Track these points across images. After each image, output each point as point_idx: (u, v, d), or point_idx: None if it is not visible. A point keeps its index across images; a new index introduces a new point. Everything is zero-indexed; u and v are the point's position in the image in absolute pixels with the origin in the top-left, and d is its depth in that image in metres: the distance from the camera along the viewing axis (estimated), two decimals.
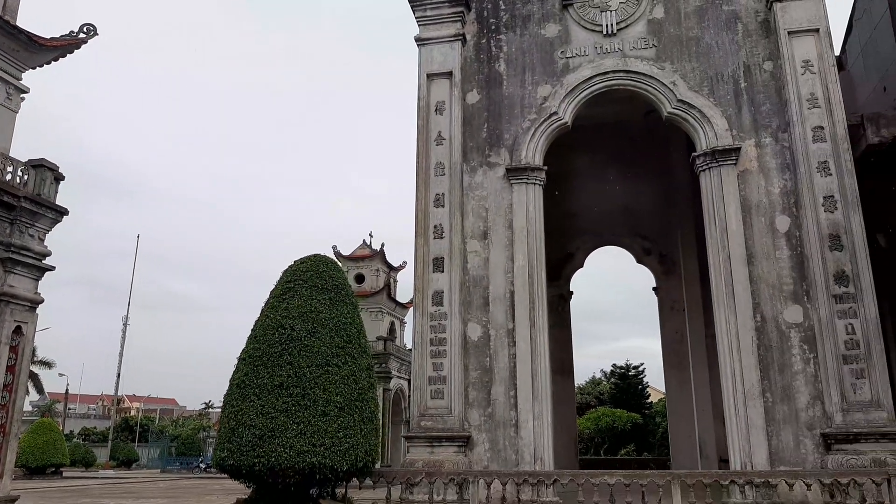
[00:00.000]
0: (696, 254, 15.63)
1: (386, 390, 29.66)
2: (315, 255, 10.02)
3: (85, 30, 12.50)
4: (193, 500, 20.19)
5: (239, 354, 9.47)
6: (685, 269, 16.62)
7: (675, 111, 12.05)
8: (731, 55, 12.08)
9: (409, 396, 15.54)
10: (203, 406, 73.60)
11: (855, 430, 9.88)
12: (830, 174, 10.97)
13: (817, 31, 11.64)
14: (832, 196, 10.87)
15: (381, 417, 24.70)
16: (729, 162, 11.52)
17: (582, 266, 19.42)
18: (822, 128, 11.23)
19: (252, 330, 9.48)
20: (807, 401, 10.36)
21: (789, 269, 10.94)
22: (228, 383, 9.42)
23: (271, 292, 9.74)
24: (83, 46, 12.63)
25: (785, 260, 10.99)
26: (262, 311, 9.57)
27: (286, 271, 9.88)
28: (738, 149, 11.53)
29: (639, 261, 19.13)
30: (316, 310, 9.27)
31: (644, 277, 19.47)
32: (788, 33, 11.69)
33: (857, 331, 10.26)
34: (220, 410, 9.64)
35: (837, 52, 16.60)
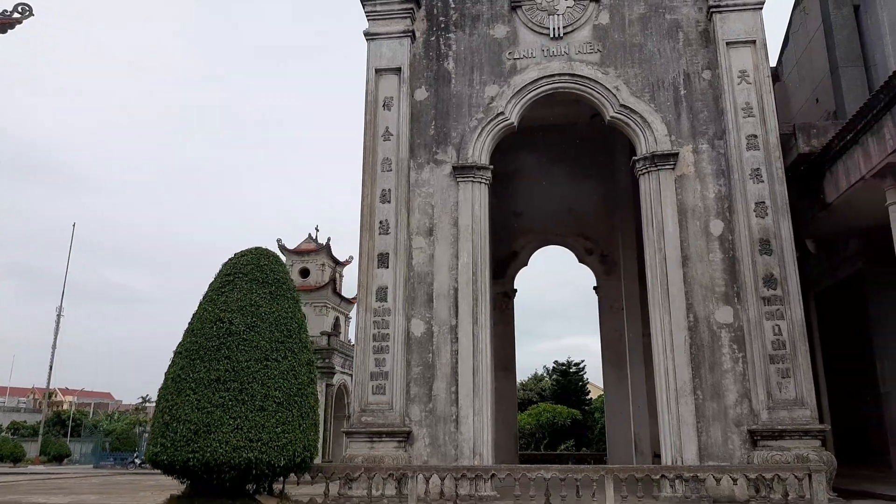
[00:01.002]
0: (636, 255, 16.03)
1: (329, 386, 29.42)
2: (256, 248, 9.89)
3: (20, 9, 12.01)
4: (126, 497, 19.63)
5: (175, 348, 9.28)
6: (625, 269, 17.03)
7: (618, 115, 12.33)
8: (673, 63, 12.44)
9: (352, 392, 15.49)
10: (140, 400, 71.69)
11: (780, 426, 10.33)
12: (762, 181, 11.42)
13: (754, 42, 12.08)
14: (763, 202, 11.32)
15: (322, 413, 24.53)
16: (667, 166, 11.86)
17: (526, 265, 19.70)
18: (755, 136, 11.68)
19: (189, 323, 9.30)
20: (735, 398, 10.78)
21: (721, 271, 11.35)
22: (164, 377, 9.23)
23: (210, 285, 9.57)
24: (17, 27, 12.13)
25: (718, 262, 11.40)
26: (200, 304, 9.40)
27: (226, 264, 9.72)
28: (677, 154, 11.88)
29: (581, 260, 19.52)
30: (256, 304, 9.15)
31: (586, 277, 19.89)
32: (727, 44, 12.10)
33: (783, 332, 10.72)
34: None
35: (774, 63, 17.28)
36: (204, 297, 9.42)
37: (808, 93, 16.64)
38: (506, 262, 19.09)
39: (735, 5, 12.21)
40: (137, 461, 43.12)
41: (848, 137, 10.88)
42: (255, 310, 9.10)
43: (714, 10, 12.24)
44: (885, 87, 9.48)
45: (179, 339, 9.36)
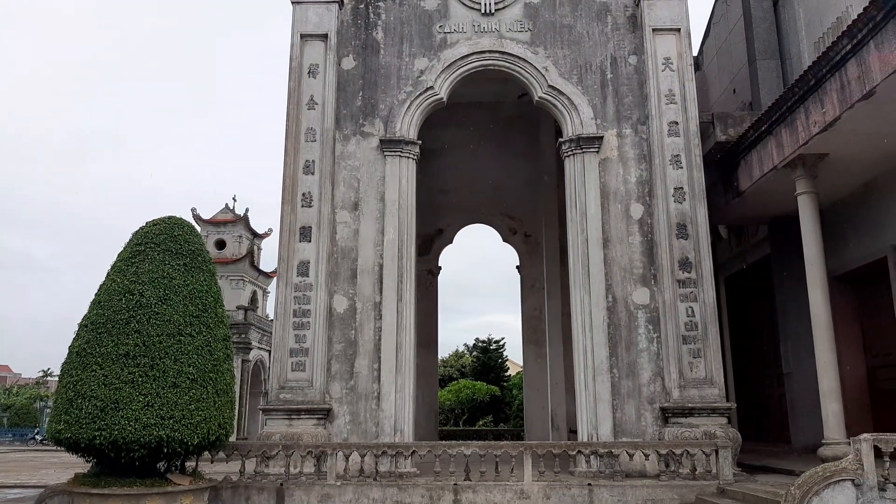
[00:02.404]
0: (558, 235, 16.29)
1: (245, 361, 28.78)
2: (170, 218, 9.38)
3: None
4: (27, 475, 18.67)
5: (80, 321, 8.74)
6: (547, 249, 17.29)
7: (546, 96, 12.38)
8: (601, 46, 12.56)
9: (270, 368, 15.13)
10: (41, 374, 68.23)
11: (690, 404, 10.76)
12: (682, 167, 11.74)
13: (679, 30, 12.34)
14: (682, 188, 11.66)
15: (238, 389, 23.95)
16: (592, 149, 12.02)
17: (451, 242, 19.74)
18: (676, 123, 11.98)
19: (96, 295, 8.75)
20: (649, 377, 11.15)
21: (640, 254, 11.65)
22: (68, 351, 8.69)
23: (119, 255, 9.02)
24: None
25: (637, 245, 11.69)
26: (108, 275, 8.85)
27: (136, 233, 9.17)
28: (601, 137, 12.06)
29: (505, 239, 19.71)
30: (169, 276, 8.69)
31: (509, 255, 20.12)
32: (653, 30, 12.30)
33: (696, 314, 11.13)
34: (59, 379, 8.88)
35: (695, 53, 17.76)
36: (112, 268, 8.87)
37: (727, 83, 17.22)
38: (431, 239, 19.06)
39: None
40: (39, 437, 41.14)
41: (762, 128, 11.32)
42: (168, 282, 8.64)
43: None
44: (800, 81, 9.87)
45: (81, 309, 8.84)
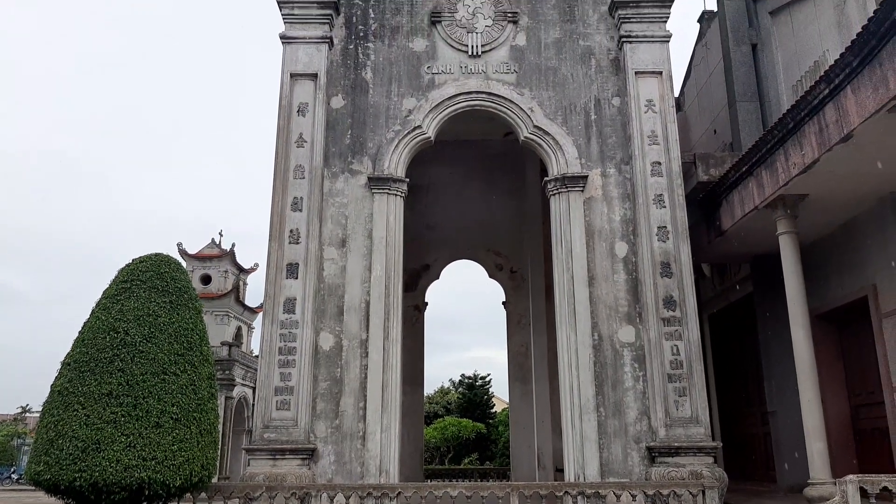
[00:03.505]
0: (544, 272, 16.36)
1: (228, 398, 28.38)
2: (157, 255, 9.36)
3: None
4: None
5: (63, 359, 8.64)
6: (533, 285, 17.35)
7: (532, 136, 12.58)
8: (585, 88, 12.82)
9: (254, 406, 14.95)
10: (19, 410, 66.73)
11: (676, 444, 10.74)
12: (665, 206, 11.92)
13: (661, 73, 12.64)
14: (665, 227, 11.81)
15: (221, 428, 23.59)
16: (577, 188, 12.18)
17: (438, 278, 19.76)
18: (659, 163, 12.19)
19: (80, 332, 8.68)
20: (635, 416, 11.14)
21: (625, 292, 11.74)
22: (49, 390, 8.57)
23: (104, 292, 8.97)
24: None
25: (622, 283, 11.78)
26: (93, 312, 8.79)
27: (122, 270, 9.14)
28: (586, 177, 12.23)
29: (491, 275, 19.77)
30: (154, 313, 8.65)
31: (495, 291, 20.16)
32: (635, 73, 12.59)
33: (681, 352, 11.19)
34: (38, 416, 8.73)
35: (677, 93, 18.17)
36: (97, 305, 8.81)
37: (707, 123, 17.60)
38: (418, 275, 19.07)
39: (644, 37, 12.74)
40: (15, 476, 40.09)
41: (743, 169, 11.55)
42: (154, 320, 8.59)
43: (625, 40, 12.72)
44: (779, 124, 10.13)
45: (62, 344, 8.77)
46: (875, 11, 7.82)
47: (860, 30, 8.12)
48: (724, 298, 16.11)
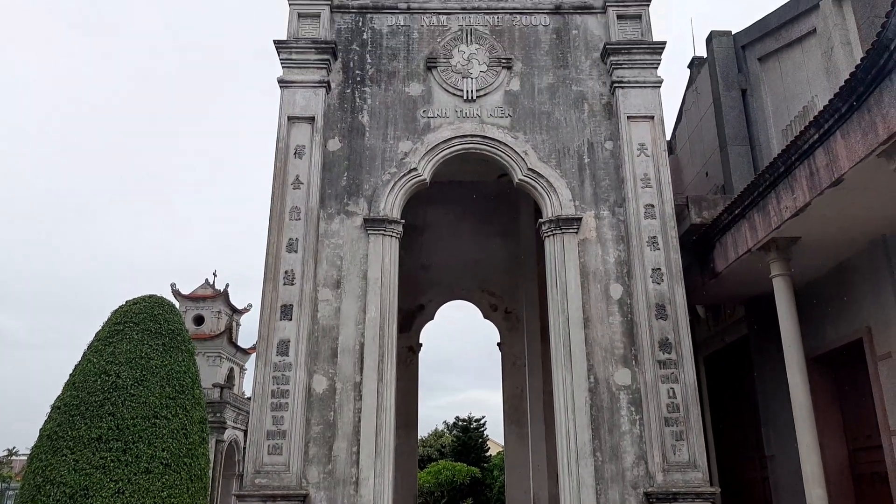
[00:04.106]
0: (539, 313, 16.36)
1: (219, 442, 27.93)
2: (150, 296, 9.35)
3: None
4: None
5: (53, 402, 8.53)
6: (528, 327, 17.30)
7: (526, 179, 12.70)
8: (578, 132, 13.00)
9: (245, 450, 14.71)
10: (5, 452, 65.45)
11: (674, 489, 10.59)
12: (659, 248, 11.98)
13: (652, 118, 12.84)
14: (659, 269, 11.86)
15: (211, 472, 23.16)
16: (571, 230, 12.25)
17: (432, 318, 19.67)
18: (652, 206, 12.30)
19: (70, 375, 8.59)
20: (632, 460, 11.00)
21: (621, 334, 11.71)
22: (38, 434, 8.43)
23: (96, 335, 8.92)
24: None
25: (617, 325, 11.76)
26: (85, 355, 8.73)
27: (115, 312, 9.11)
28: (580, 219, 12.31)
29: (486, 316, 19.71)
30: (146, 356, 8.59)
31: (490, 332, 20.08)
32: (628, 118, 12.79)
33: (677, 395, 11.12)
34: (26, 460, 8.59)
35: (669, 136, 18.44)
36: (89, 348, 8.76)
37: (699, 166, 17.81)
38: (412, 316, 19.00)
39: (636, 82, 12.98)
40: None
41: (736, 212, 11.65)
42: (146, 362, 8.53)
43: (617, 85, 12.96)
44: (770, 168, 10.26)
45: (53, 387, 8.68)
46: (862, 59, 8.00)
47: (848, 76, 8.29)
48: (720, 340, 16.07)
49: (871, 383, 10.84)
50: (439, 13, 13.72)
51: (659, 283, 11.78)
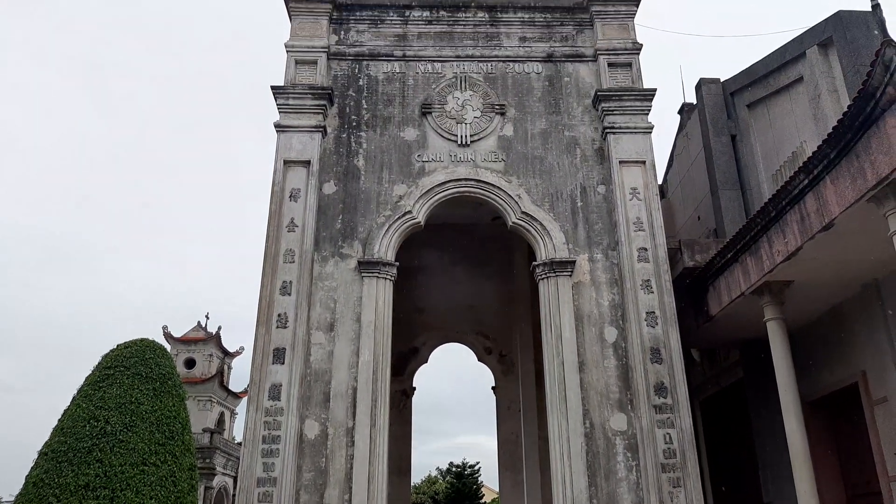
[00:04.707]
0: (534, 357, 16.25)
1: (208, 489, 27.37)
2: (142, 340, 9.26)
3: None
4: None
5: (40, 448, 8.36)
6: (523, 370, 17.17)
7: (520, 222, 12.78)
8: (571, 176, 13.14)
9: (234, 497, 14.41)
10: None
11: None
12: (652, 292, 12.00)
13: (644, 162, 13.01)
14: (654, 312, 11.86)
15: None
16: (565, 273, 12.28)
17: (426, 362, 19.51)
18: (646, 249, 12.36)
19: (59, 421, 8.45)
20: None
21: (616, 378, 11.64)
22: (24, 481, 8.24)
23: (86, 379, 8.81)
24: None
25: (612, 369, 11.70)
26: (74, 399, 8.59)
27: (106, 356, 9.01)
28: (574, 262, 12.36)
29: (480, 359, 19.56)
30: (136, 401, 8.46)
31: (485, 375, 19.89)
32: (619, 162, 12.96)
33: (674, 441, 11.00)
34: None
35: (660, 180, 18.65)
36: (78, 392, 8.63)
37: (691, 210, 17.98)
38: (406, 359, 18.85)
39: (627, 128, 13.19)
40: None
41: (728, 256, 11.72)
42: (136, 408, 8.40)
43: (608, 131, 13.16)
44: (761, 212, 10.36)
45: (40, 430, 8.54)
46: (849, 106, 8.17)
47: (836, 123, 8.46)
48: (716, 384, 15.98)
49: (868, 428, 10.77)
50: (434, 61, 13.99)
51: (653, 327, 11.76)
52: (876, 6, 13.03)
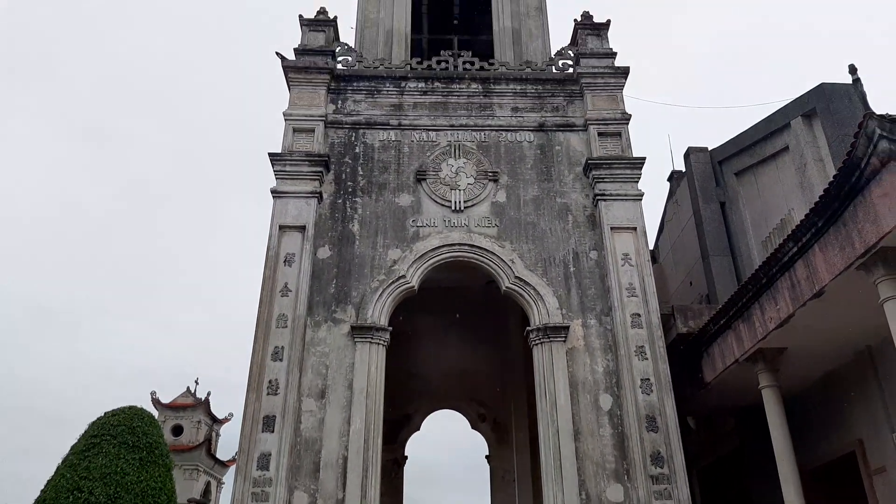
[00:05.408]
0: (528, 424, 16.00)
1: None
2: (130, 408, 9.10)
3: None
4: None
5: None
6: (517, 438, 16.88)
7: (513, 286, 12.82)
8: (563, 242, 13.26)
9: None
10: None
11: None
12: (647, 358, 11.95)
13: (635, 229, 13.17)
14: (648, 379, 11.77)
15: None
16: (559, 339, 12.24)
17: (419, 429, 19.15)
18: (639, 315, 12.37)
19: (42, 492, 8.21)
20: None
21: (612, 447, 11.45)
22: None
23: (72, 447, 8.61)
24: None
25: (608, 438, 11.52)
26: (58, 469, 8.38)
27: (93, 424, 8.83)
28: (568, 327, 12.33)
29: (473, 426, 19.21)
30: (122, 471, 8.26)
31: (478, 443, 19.50)
32: (611, 228, 13.11)
33: None
34: None
35: (651, 246, 18.82)
36: (63, 462, 8.42)
37: (683, 276, 18.08)
38: (398, 426, 18.50)
39: (618, 195, 13.40)
40: None
41: (721, 322, 11.73)
42: (121, 478, 8.19)
43: (599, 198, 13.36)
44: (752, 279, 10.44)
45: (20, 502, 8.25)
46: (835, 176, 8.36)
47: (822, 192, 8.63)
48: (712, 453, 15.71)
49: (867, 498, 10.56)
50: (429, 129, 14.31)
51: (648, 394, 11.66)
52: (857, 80, 13.51)
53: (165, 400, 29.29)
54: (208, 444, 29.18)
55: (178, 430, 28.78)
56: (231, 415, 30.52)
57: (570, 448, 11.32)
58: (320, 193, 13.36)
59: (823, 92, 13.88)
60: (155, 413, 10.09)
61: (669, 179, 19.90)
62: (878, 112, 7.63)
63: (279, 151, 13.64)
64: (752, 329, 10.70)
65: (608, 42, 15.34)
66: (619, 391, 11.81)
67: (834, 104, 13.63)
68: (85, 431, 8.65)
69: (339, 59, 15.06)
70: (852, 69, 13.69)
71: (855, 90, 13.60)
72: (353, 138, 14.23)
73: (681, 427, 11.82)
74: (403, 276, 12.80)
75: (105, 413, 8.90)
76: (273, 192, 13.32)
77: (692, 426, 15.95)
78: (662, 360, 11.94)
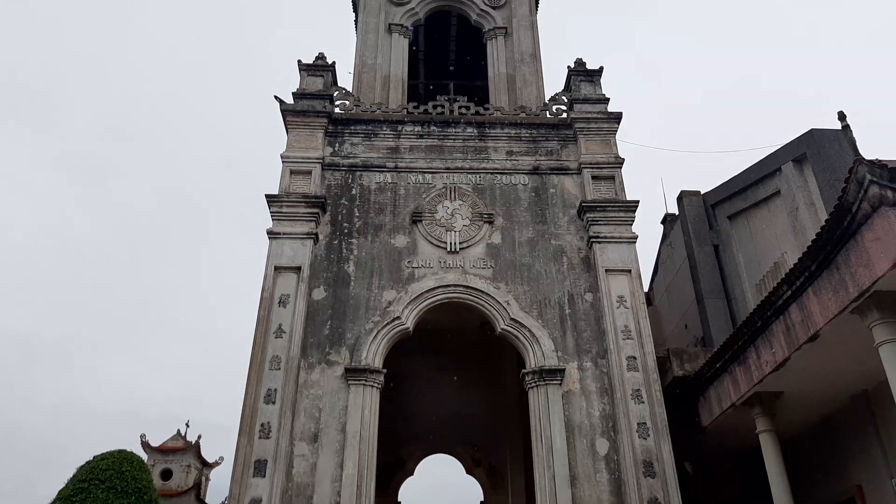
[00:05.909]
0: (524, 468, 15.75)
1: None
2: (119, 452, 8.95)
3: None
4: None
5: None
6: (513, 483, 16.62)
7: (508, 328, 12.78)
8: (558, 284, 13.28)
9: None
10: None
11: None
12: (643, 402, 11.85)
13: (630, 271, 13.20)
14: (645, 423, 11.65)
15: None
16: (555, 382, 12.15)
17: (412, 474, 18.83)
18: (635, 358, 12.31)
19: None
20: None
21: (609, 493, 11.26)
22: None
23: (59, 492, 8.43)
24: None
25: (605, 483, 11.34)
26: None
27: (82, 468, 8.67)
28: (563, 370, 12.25)
29: (468, 471, 18.91)
30: None
31: (473, 489, 19.16)
32: (606, 271, 13.14)
33: None
34: None
35: (646, 288, 18.85)
36: None
37: (678, 318, 18.07)
38: (392, 472, 18.19)
39: (612, 238, 13.48)
40: None
41: (717, 366, 11.69)
42: None
43: (594, 240, 13.43)
44: (747, 322, 10.45)
45: None
46: (827, 220, 8.44)
47: (815, 236, 8.71)
48: (711, 499, 15.45)
49: None
50: (425, 172, 14.44)
51: (645, 439, 11.53)
52: (846, 126, 13.75)
53: (155, 443, 28.75)
54: (198, 489, 28.54)
55: (167, 475, 28.17)
56: (222, 458, 29.93)
57: (566, 494, 11.14)
58: (316, 234, 13.40)
59: (813, 137, 14.11)
60: (144, 456, 9.90)
61: (663, 222, 20.05)
62: (867, 157, 7.76)
63: (276, 193, 13.72)
64: (748, 373, 10.66)
65: (601, 88, 15.63)
66: (616, 435, 11.68)
67: (824, 149, 13.85)
68: (73, 475, 8.48)
69: (337, 103, 15.28)
70: (841, 116, 13.94)
71: (844, 135, 13.83)
72: (349, 180, 14.34)
73: (678, 472, 11.66)
74: (398, 318, 12.75)
75: (94, 457, 8.74)
76: (269, 232, 13.35)
77: (689, 471, 15.72)
78: (659, 403, 11.85)
